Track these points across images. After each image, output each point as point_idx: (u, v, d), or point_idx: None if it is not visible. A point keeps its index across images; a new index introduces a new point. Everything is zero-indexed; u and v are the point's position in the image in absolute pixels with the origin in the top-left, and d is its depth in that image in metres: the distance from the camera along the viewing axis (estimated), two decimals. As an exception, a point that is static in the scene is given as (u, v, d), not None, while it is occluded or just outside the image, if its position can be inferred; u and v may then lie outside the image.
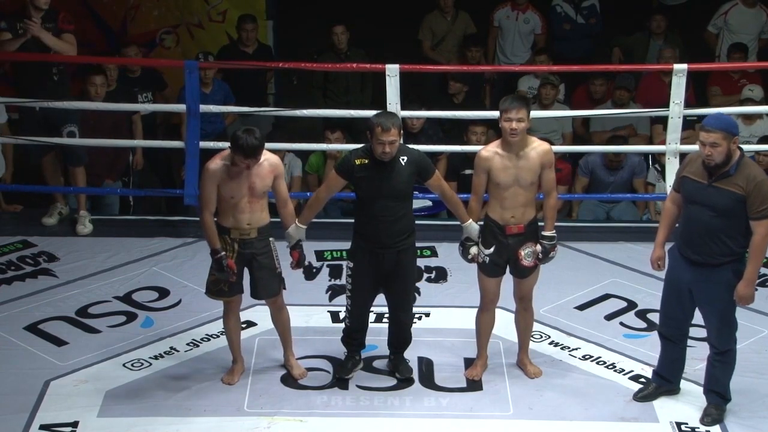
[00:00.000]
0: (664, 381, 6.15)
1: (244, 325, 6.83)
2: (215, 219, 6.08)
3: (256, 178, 6.00)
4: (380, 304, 6.35)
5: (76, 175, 8.20)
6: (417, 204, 8.45)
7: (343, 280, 7.52)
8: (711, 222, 5.65)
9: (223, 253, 6.03)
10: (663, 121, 8.29)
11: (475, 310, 6.38)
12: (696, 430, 5.91)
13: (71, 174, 8.22)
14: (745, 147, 8.80)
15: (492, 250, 6.07)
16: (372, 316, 6.48)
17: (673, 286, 5.93)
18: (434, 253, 7.90)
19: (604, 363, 6.55)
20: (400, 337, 6.35)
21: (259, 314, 6.95)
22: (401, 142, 6.07)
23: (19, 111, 8.21)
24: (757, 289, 5.89)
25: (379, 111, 6.33)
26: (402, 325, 6.30)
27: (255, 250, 6.11)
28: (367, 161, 5.99)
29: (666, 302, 6.01)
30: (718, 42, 10.31)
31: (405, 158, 6.01)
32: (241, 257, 6.09)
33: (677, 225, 5.93)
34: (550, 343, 6.74)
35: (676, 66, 7.98)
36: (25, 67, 7.86)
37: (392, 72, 7.94)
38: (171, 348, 6.66)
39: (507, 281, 6.24)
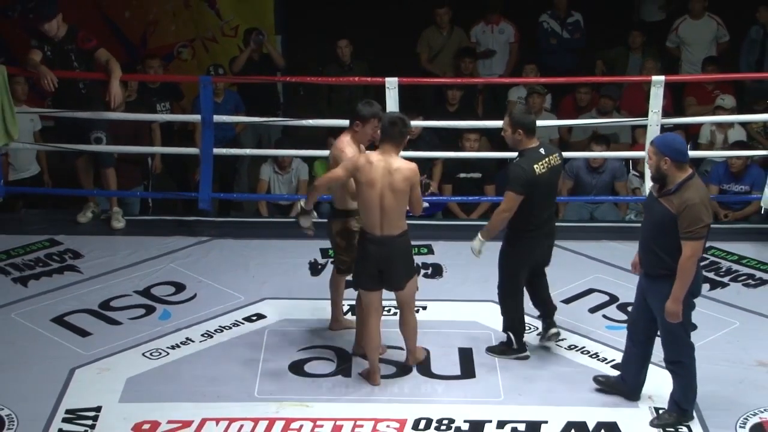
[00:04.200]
0: (620, 379, 6.06)
1: (254, 318, 6.86)
2: (334, 206, 6.33)
3: None
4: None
5: (107, 176, 8.22)
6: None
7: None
8: (649, 233, 5.65)
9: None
10: (644, 127, 8.27)
11: (469, 303, 6.37)
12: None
13: (102, 175, 8.24)
14: (713, 153, 8.89)
15: None
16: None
17: (637, 292, 5.93)
18: (430, 251, 7.91)
19: (588, 352, 6.56)
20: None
21: (269, 307, 6.99)
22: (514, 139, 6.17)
23: (55, 121, 8.23)
24: (694, 302, 5.73)
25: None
26: None
27: None
28: None
29: (633, 304, 6.01)
30: (681, 54, 10.33)
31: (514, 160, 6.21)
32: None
33: None
34: (538, 334, 6.73)
35: (654, 78, 7.97)
36: (58, 82, 7.85)
37: (392, 85, 7.93)
38: (187, 338, 6.66)
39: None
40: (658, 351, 6.48)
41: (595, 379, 6.13)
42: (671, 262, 5.54)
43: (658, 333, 5.80)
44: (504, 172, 9.11)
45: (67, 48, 7.77)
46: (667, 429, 5.80)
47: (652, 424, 5.85)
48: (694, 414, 5.88)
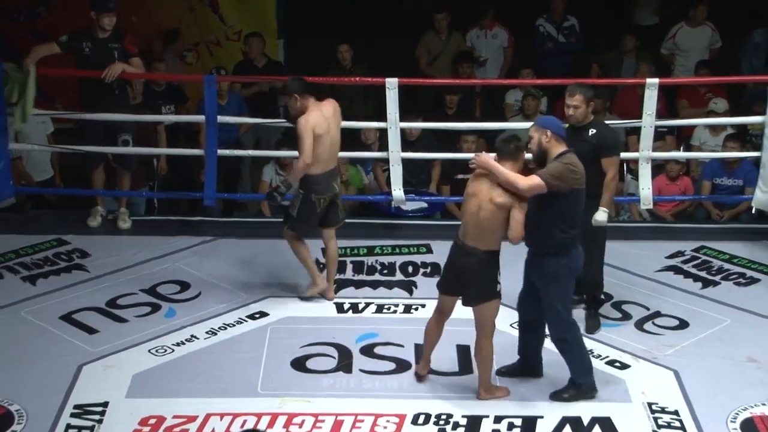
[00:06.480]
0: (519, 364, 6.21)
1: (257, 315, 6.89)
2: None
3: None
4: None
5: (123, 178, 8.29)
6: (413, 206, 8.52)
7: (347, 275, 7.57)
8: (529, 212, 5.75)
9: None
10: (637, 132, 8.29)
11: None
12: (665, 409, 5.96)
13: (118, 176, 8.30)
14: (707, 155, 8.90)
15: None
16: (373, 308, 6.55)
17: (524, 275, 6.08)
18: (429, 250, 7.95)
19: (584, 349, 6.60)
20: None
21: (272, 305, 7.05)
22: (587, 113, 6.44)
23: (83, 122, 8.23)
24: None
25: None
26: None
27: None
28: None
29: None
30: (674, 60, 10.37)
31: (594, 131, 6.43)
32: None
33: None
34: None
35: (649, 80, 7.99)
36: (90, 84, 7.90)
37: (392, 85, 7.97)
38: (191, 336, 6.70)
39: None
40: (649, 346, 6.53)
41: (498, 371, 6.21)
42: (548, 238, 5.73)
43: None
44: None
45: (111, 46, 7.85)
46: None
47: (551, 397, 6.00)
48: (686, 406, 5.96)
